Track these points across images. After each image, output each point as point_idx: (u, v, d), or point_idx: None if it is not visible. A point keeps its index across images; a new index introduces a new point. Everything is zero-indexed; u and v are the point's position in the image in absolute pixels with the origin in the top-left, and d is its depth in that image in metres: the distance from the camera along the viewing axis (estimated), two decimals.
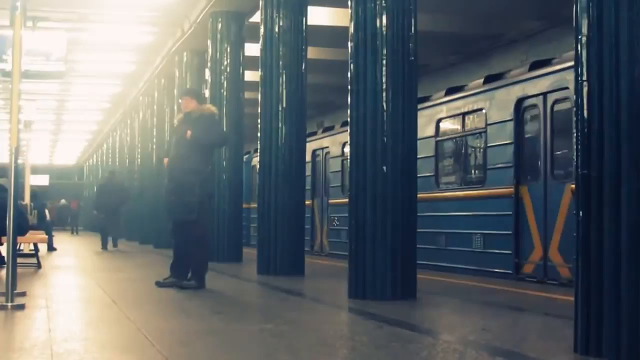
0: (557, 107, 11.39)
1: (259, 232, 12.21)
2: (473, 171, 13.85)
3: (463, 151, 14.03)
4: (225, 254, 15.20)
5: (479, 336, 6.23)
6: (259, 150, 12.43)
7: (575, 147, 5.29)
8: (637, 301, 4.93)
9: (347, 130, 8.94)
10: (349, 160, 8.91)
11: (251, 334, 6.27)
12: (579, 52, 5.27)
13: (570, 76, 10.29)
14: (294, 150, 12.06)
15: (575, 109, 5.31)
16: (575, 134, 5.29)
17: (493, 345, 5.77)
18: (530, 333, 6.56)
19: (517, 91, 12.08)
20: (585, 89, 5.21)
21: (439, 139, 14.36)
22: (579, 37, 5.26)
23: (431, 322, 7.28)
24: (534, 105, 11.80)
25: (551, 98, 11.44)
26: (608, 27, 5.10)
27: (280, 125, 11.98)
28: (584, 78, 5.21)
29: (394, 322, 6.91)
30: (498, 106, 12.51)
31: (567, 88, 10.89)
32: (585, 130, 5.20)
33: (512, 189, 12.02)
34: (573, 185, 9.56)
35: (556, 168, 11.39)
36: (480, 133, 13.18)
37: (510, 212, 11.99)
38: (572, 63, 9.42)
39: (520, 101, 12.06)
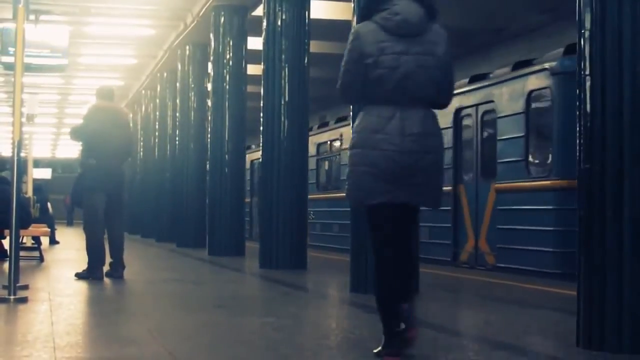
0: (485, 118, 13.00)
1: (261, 225, 12.21)
2: None
3: None
4: (227, 248, 15.20)
5: (481, 330, 6.24)
6: (261, 145, 12.42)
7: (577, 141, 5.29)
8: None
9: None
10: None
11: (253, 327, 6.28)
12: (582, 46, 5.26)
13: (495, 91, 12.62)
14: (296, 144, 12.05)
15: (578, 103, 5.31)
16: (578, 129, 5.29)
17: (495, 339, 5.77)
18: (533, 327, 6.56)
19: (455, 102, 12.79)
20: (588, 84, 5.20)
21: None
22: (582, 31, 5.25)
23: (433, 316, 7.28)
24: (469, 115, 13.42)
25: (481, 109, 13.12)
26: (611, 22, 5.09)
27: (282, 119, 11.97)
28: (587, 72, 5.21)
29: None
30: (440, 114, 12.81)
31: (492, 101, 12.71)
32: (588, 124, 5.19)
33: (451, 188, 13.45)
34: (497, 185, 12.23)
35: (483, 170, 12.93)
36: None
37: (450, 208, 13.49)
38: (497, 80, 12.52)
39: (458, 111, 13.52)
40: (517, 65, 12.57)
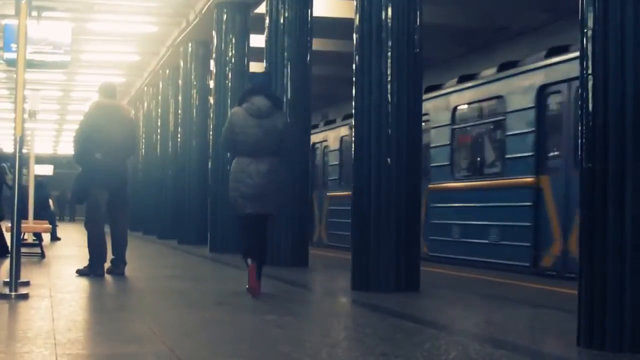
0: (325, 150, 19.77)
1: None
2: None
3: None
4: (229, 245, 15.18)
5: (482, 329, 6.24)
6: None
7: (580, 140, 5.29)
8: None
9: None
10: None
11: (255, 324, 6.28)
12: (585, 45, 5.25)
13: (328, 133, 19.62)
14: (298, 141, 12.03)
15: (580, 102, 5.31)
16: (580, 128, 5.29)
17: (497, 337, 5.77)
18: (534, 326, 6.56)
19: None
20: (590, 83, 5.19)
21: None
22: (585, 30, 5.24)
23: (435, 314, 7.28)
24: (317, 148, 19.73)
25: (322, 145, 18.76)
26: (614, 21, 5.09)
27: None
28: (589, 72, 5.20)
29: (398, 314, 6.92)
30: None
31: (326, 140, 19.53)
32: (590, 123, 5.19)
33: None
34: (328, 193, 20.11)
35: (323, 183, 18.92)
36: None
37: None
38: (329, 127, 19.03)
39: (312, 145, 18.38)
40: (345, 117, 19.27)
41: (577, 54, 11.75)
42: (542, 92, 11.97)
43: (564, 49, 11.90)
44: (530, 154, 12.07)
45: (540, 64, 12.23)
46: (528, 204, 11.96)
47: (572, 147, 11.06)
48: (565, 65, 11.41)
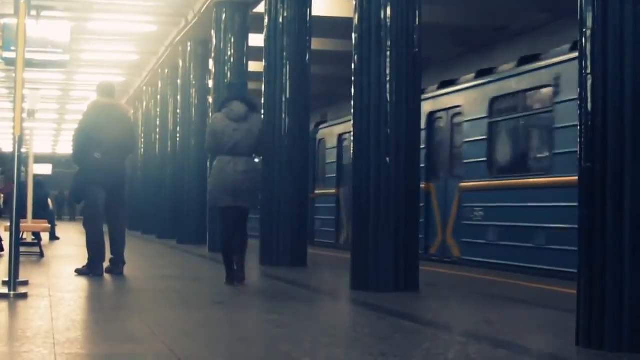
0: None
1: (262, 222, 12.21)
2: None
3: None
4: None
5: (481, 328, 6.24)
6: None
7: (579, 140, 5.29)
8: None
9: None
10: None
11: (254, 324, 6.28)
12: (584, 45, 5.25)
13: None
14: (297, 141, 12.04)
15: (579, 102, 5.31)
16: (579, 127, 5.29)
17: (495, 337, 5.77)
18: (533, 326, 6.56)
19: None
20: (589, 82, 5.19)
21: None
22: (584, 30, 5.24)
23: (433, 314, 7.28)
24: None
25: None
26: (612, 20, 5.09)
27: (283, 116, 11.96)
28: (588, 71, 5.20)
29: (397, 314, 6.92)
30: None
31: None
32: (589, 123, 5.19)
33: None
34: (315, 193, 19.50)
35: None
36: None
37: None
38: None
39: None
40: (315, 125, 22.12)
41: (458, 87, 14.13)
42: (431, 117, 15.03)
43: (452, 82, 14.92)
44: (422, 165, 14.25)
45: (430, 94, 15.22)
46: (421, 204, 14.19)
47: (448, 160, 14.65)
48: (447, 97, 14.69)
